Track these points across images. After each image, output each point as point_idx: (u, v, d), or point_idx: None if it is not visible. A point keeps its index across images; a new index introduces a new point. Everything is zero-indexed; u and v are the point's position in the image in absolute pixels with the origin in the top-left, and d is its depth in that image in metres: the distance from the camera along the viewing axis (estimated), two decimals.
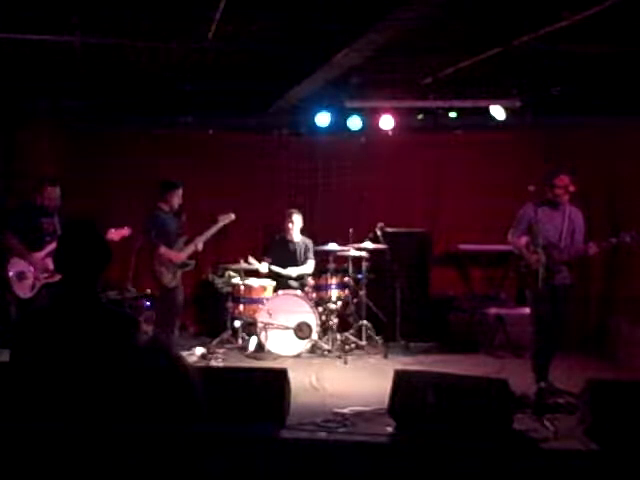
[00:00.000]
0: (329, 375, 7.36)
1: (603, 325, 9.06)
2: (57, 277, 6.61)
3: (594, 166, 9.09)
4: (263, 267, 8.84)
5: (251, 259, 8.74)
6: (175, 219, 8.08)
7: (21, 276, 6.91)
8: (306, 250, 9.10)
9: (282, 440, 5.11)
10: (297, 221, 9.04)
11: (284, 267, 8.97)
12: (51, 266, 6.66)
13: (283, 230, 9.12)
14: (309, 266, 9.05)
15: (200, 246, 8.05)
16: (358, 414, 5.88)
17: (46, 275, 6.85)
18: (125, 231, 7.24)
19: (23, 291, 6.92)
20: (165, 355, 1.32)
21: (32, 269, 6.88)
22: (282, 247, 9.08)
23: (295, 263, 9.03)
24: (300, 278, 8.92)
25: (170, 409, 1.27)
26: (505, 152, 9.51)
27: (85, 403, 2.78)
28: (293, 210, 9.09)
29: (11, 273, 6.92)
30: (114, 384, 2.82)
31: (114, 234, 7.07)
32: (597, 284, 9.31)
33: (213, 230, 8.13)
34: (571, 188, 6.55)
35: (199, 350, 8.24)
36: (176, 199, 8.00)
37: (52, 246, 6.70)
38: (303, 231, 9.15)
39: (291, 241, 9.08)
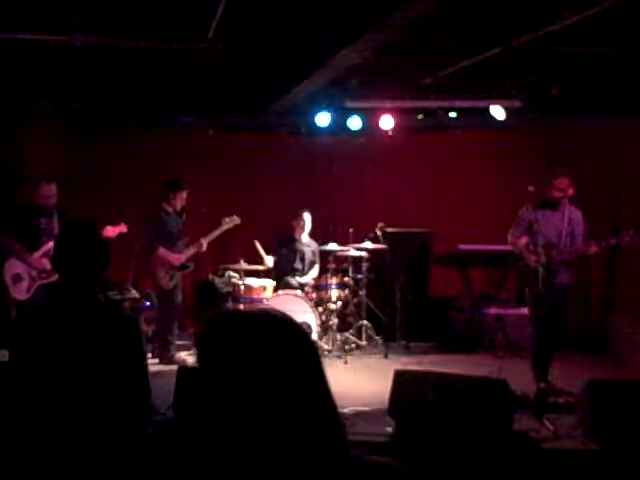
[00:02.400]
0: (329, 375, 7.28)
1: (603, 325, 9.06)
2: (53, 277, 6.59)
3: (594, 166, 9.09)
4: (269, 259, 8.79)
5: (258, 245, 8.69)
6: (177, 220, 8.07)
7: (17, 278, 6.83)
8: (314, 254, 9.04)
9: None
10: (307, 221, 8.97)
11: (288, 266, 8.91)
12: (47, 266, 6.62)
13: (290, 229, 9.04)
14: (315, 270, 9.02)
15: (204, 246, 8.05)
16: (358, 414, 5.87)
17: (43, 275, 6.80)
18: (121, 227, 7.19)
19: (20, 293, 6.84)
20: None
21: (28, 270, 6.83)
22: (288, 246, 8.96)
23: (300, 263, 8.97)
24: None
25: None
26: (505, 152, 9.51)
27: (84, 403, 2.78)
28: (304, 210, 8.98)
29: (7, 276, 6.86)
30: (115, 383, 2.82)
31: (110, 231, 7.03)
32: (597, 284, 9.31)
33: (216, 233, 8.12)
34: (570, 191, 6.55)
35: None
36: (179, 201, 7.98)
37: (48, 246, 6.67)
38: (311, 234, 9.08)
39: (299, 241, 9.00)
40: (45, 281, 6.78)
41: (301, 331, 1.43)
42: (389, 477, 1.37)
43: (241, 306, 8.46)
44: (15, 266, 6.84)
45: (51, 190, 6.89)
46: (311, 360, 1.38)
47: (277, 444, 1.30)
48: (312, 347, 1.41)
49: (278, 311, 1.45)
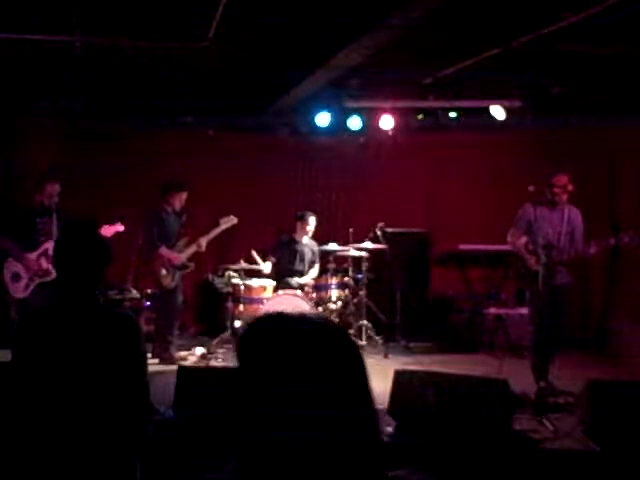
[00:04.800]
0: None
1: (603, 325, 9.06)
2: (51, 276, 6.62)
3: (594, 166, 9.09)
4: (267, 266, 8.81)
5: (254, 254, 8.70)
6: (177, 220, 8.07)
7: (16, 277, 6.87)
8: (314, 254, 9.03)
9: None
10: (313, 224, 8.95)
11: (288, 267, 8.91)
12: (45, 266, 6.65)
13: (292, 230, 9.03)
14: (315, 270, 9.02)
15: (203, 246, 8.05)
16: None
17: (40, 274, 6.80)
18: (118, 226, 7.17)
19: (17, 292, 6.86)
20: None
21: (26, 270, 6.84)
22: (288, 247, 8.97)
23: (300, 265, 8.96)
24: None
25: None
26: (505, 152, 9.51)
27: (84, 403, 2.78)
28: (311, 213, 8.95)
29: (7, 275, 6.88)
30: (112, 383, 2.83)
31: (107, 230, 7.01)
32: (597, 284, 9.31)
33: (214, 233, 8.12)
34: (569, 187, 6.54)
35: (199, 350, 8.24)
36: (178, 201, 7.98)
37: (46, 246, 6.68)
38: (314, 236, 9.05)
39: (299, 242, 9.00)
40: (42, 280, 6.79)
41: (343, 335, 1.42)
42: None
43: (241, 306, 8.47)
44: (14, 265, 6.87)
45: (55, 189, 6.90)
46: (350, 364, 1.38)
47: (313, 446, 1.29)
48: (352, 350, 1.40)
49: (317, 315, 1.47)
